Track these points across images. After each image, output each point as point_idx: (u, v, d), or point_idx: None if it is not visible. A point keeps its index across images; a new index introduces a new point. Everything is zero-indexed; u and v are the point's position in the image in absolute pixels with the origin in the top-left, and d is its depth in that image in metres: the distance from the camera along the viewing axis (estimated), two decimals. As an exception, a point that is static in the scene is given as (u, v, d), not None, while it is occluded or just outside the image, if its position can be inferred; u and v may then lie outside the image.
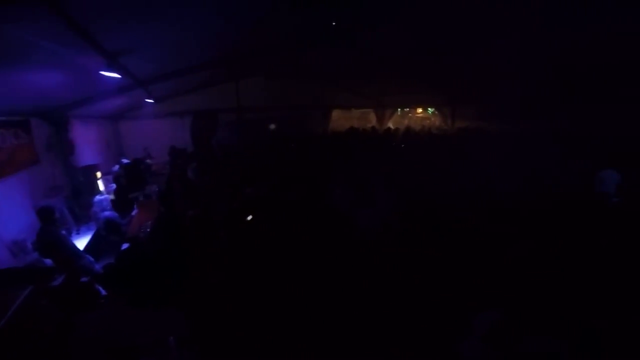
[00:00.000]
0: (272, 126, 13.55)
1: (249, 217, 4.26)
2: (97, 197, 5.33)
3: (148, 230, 4.14)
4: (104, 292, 3.15)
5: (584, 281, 3.24)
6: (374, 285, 3.05)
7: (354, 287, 3.01)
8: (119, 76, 4.37)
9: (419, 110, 17.36)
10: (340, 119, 16.09)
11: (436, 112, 15.08)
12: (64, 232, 3.98)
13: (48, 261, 3.78)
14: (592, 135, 7.46)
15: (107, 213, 5.01)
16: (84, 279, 3.41)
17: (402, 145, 9.93)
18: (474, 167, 6.21)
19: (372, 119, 16.03)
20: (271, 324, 2.72)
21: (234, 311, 2.82)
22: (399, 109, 16.41)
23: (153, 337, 2.01)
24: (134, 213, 5.15)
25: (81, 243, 4.70)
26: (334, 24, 6.65)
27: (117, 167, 7.49)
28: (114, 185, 6.19)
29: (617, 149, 6.23)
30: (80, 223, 5.48)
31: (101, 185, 6.64)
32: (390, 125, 16.06)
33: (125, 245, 4.01)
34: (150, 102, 8.54)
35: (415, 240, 3.69)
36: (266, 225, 3.71)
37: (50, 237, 3.57)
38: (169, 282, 2.44)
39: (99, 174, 6.73)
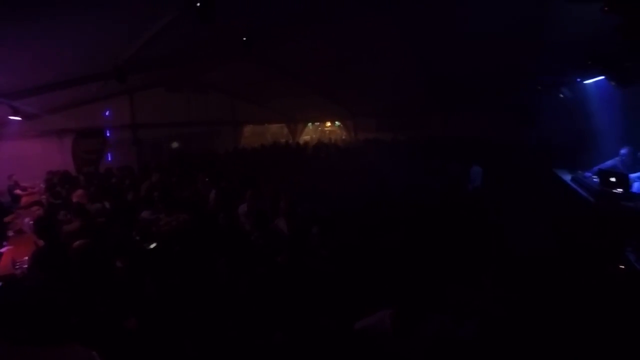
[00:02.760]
0: (175, 144, 12.60)
1: (152, 245, 3.96)
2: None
3: (25, 266, 3.56)
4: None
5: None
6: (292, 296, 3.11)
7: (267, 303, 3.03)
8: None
9: (328, 123, 18.36)
10: (254, 135, 15.96)
11: (342, 125, 16.20)
12: None
13: None
14: (459, 139, 9.12)
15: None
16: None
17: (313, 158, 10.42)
18: (370, 172, 6.91)
19: (285, 134, 16.33)
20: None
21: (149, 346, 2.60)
22: (310, 123, 17.15)
23: None
24: (3, 250, 4.34)
25: None
26: (244, 39, 6.68)
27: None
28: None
29: (478, 149, 7.72)
30: None
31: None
32: (306, 138, 16.62)
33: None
34: (17, 120, 7.17)
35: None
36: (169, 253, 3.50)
37: None
38: (65, 318, 2.17)
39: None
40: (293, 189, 5.66)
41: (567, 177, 5.94)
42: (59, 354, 1.79)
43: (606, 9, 3.43)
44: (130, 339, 2.67)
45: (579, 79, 6.45)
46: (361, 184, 6.32)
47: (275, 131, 17.12)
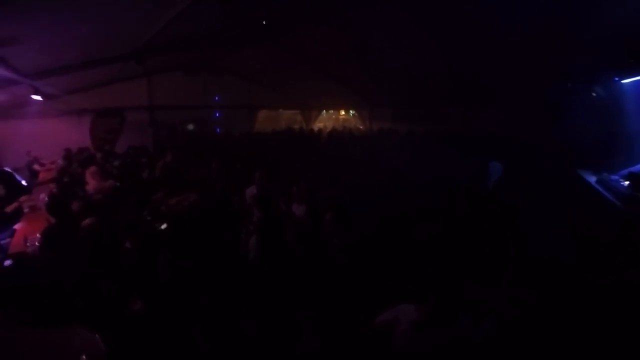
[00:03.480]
0: (190, 126, 12.72)
1: (163, 226, 3.94)
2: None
3: (37, 244, 3.60)
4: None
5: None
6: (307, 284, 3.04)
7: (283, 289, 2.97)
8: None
9: (342, 112, 18.14)
10: (267, 120, 15.92)
11: (356, 114, 15.96)
12: None
13: None
14: (478, 134, 8.81)
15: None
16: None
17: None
18: (386, 162, 6.76)
19: (299, 120, 16.20)
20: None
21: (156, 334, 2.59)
22: (324, 111, 16.91)
23: (60, 358, 1.77)
24: (17, 226, 4.41)
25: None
26: (264, 22, 6.55)
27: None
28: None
29: (498, 145, 7.43)
30: None
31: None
32: (319, 125, 16.49)
33: (7, 262, 3.39)
34: (39, 100, 7.29)
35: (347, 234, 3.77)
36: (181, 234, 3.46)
37: None
38: (70, 300, 2.18)
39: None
40: (309, 174, 5.55)
41: (592, 179, 5.65)
42: (61, 336, 1.78)
43: None
44: (136, 323, 2.67)
45: (616, 78, 6.04)
46: (377, 174, 6.19)
47: (289, 117, 17.02)
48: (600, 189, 5.28)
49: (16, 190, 5.38)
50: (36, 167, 7.91)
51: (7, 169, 6.94)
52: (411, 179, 5.77)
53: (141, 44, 6.48)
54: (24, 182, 6.49)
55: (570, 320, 2.85)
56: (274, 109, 15.72)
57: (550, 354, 2.58)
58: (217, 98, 12.92)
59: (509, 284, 3.42)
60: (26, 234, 3.85)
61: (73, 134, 9.83)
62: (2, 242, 4.25)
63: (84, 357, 1.81)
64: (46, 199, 4.89)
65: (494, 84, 8.25)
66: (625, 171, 5.23)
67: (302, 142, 10.52)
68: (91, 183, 5.02)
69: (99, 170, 5.38)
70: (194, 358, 2.53)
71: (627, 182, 4.89)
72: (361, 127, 15.07)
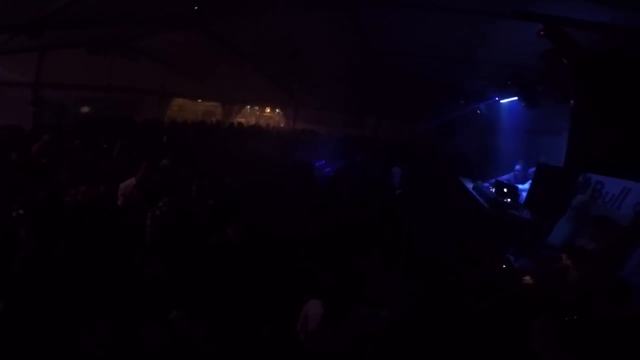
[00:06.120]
0: (85, 108, 11.07)
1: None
2: None
3: None
4: None
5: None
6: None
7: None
8: None
9: (267, 110, 17.93)
10: (182, 110, 14.80)
11: (281, 113, 15.97)
12: None
13: None
14: (387, 142, 9.72)
15: None
16: None
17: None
18: (302, 160, 6.99)
19: (218, 113, 15.46)
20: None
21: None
22: (248, 106, 16.46)
23: None
24: None
25: None
26: (195, 8, 6.11)
27: None
28: None
29: (400, 152, 8.30)
30: None
31: None
32: (242, 120, 15.95)
33: None
34: None
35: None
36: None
37: None
38: None
39: None
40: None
41: (470, 186, 6.66)
42: None
43: (541, 33, 3.76)
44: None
45: (497, 98, 7.17)
46: (290, 171, 6.32)
47: (207, 109, 16.06)
48: (475, 194, 6.26)
49: None
50: None
51: None
52: (322, 178, 6.07)
53: (44, 14, 5.46)
54: None
55: (450, 310, 3.27)
56: (191, 98, 14.72)
57: (438, 339, 2.92)
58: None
59: (401, 277, 3.80)
60: None
61: None
62: None
63: None
64: None
65: (403, 99, 9.16)
66: (493, 180, 6.27)
67: (217, 134, 10.14)
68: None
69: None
70: None
71: (493, 189, 5.87)
72: (282, 125, 15.14)
